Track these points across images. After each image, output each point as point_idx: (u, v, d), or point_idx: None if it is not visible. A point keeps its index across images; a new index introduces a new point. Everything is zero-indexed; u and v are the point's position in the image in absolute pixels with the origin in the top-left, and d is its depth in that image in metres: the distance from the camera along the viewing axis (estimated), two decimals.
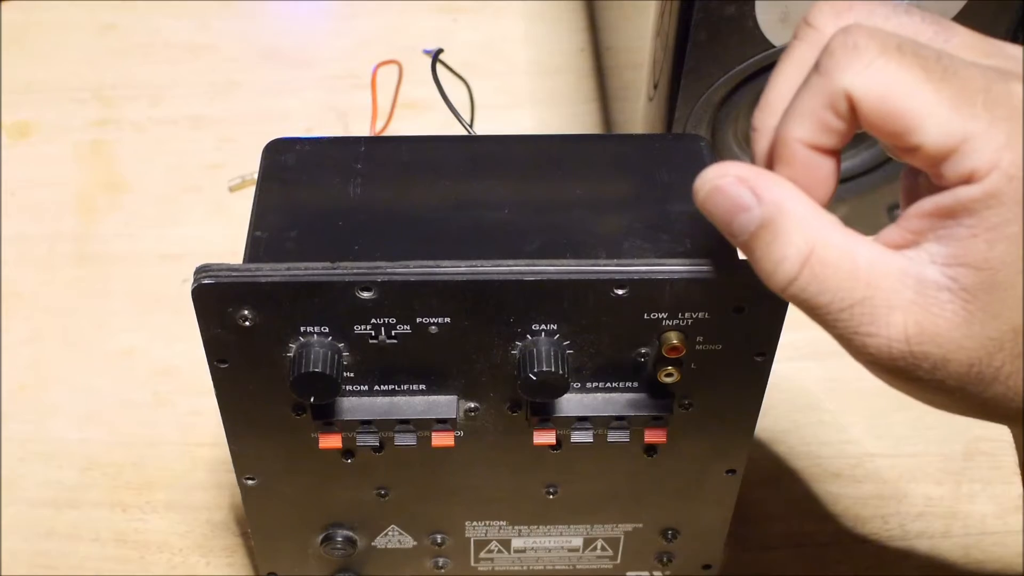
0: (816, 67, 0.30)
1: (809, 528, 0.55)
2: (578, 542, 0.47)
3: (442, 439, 0.40)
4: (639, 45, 0.58)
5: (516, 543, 0.47)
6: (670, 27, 0.52)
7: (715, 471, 0.43)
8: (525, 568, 0.48)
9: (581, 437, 0.40)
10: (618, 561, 0.48)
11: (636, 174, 0.41)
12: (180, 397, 0.59)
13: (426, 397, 0.40)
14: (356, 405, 0.39)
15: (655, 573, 0.49)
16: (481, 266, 0.36)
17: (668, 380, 0.39)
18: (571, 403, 0.40)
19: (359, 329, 0.37)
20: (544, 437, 0.40)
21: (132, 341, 0.61)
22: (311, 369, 0.37)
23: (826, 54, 0.29)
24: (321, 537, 0.45)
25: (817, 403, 0.59)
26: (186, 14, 0.77)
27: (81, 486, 0.56)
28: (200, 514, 0.55)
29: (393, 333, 0.37)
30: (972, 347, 0.29)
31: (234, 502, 0.55)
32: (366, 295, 0.36)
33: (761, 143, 0.33)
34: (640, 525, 0.46)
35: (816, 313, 0.30)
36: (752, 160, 0.33)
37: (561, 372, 0.37)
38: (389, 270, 0.36)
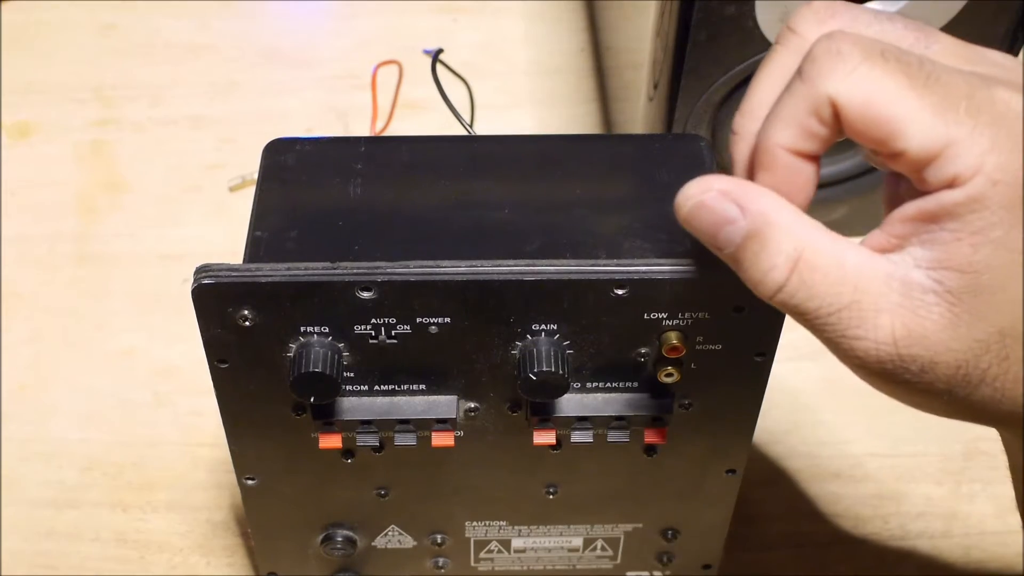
0: (799, 73, 0.30)
1: (809, 528, 0.55)
2: (578, 542, 0.47)
3: (442, 439, 0.40)
4: (639, 45, 0.58)
5: (516, 543, 0.47)
6: (670, 27, 0.52)
7: (715, 471, 0.43)
8: (525, 568, 0.48)
9: (581, 437, 0.40)
10: (618, 561, 0.48)
11: (636, 174, 0.41)
12: (180, 397, 0.59)
13: (426, 397, 0.40)
14: (356, 405, 0.39)
15: (655, 573, 0.49)
16: (481, 266, 0.36)
17: (668, 380, 0.39)
18: (571, 403, 0.40)
19: (359, 329, 0.37)
20: (544, 437, 0.40)
21: (132, 341, 0.61)
22: (311, 369, 0.37)
23: (809, 60, 0.29)
24: (321, 537, 0.45)
25: (817, 403, 0.59)
26: (186, 14, 0.77)
27: (81, 486, 0.56)
28: (200, 514, 0.55)
29: (393, 333, 0.37)
30: (959, 349, 0.29)
31: (234, 502, 0.55)
32: (366, 295, 0.36)
33: (741, 148, 0.33)
34: (640, 525, 0.46)
35: (805, 318, 0.30)
36: (731, 165, 0.34)
37: (561, 372, 0.37)
38: (389, 270, 0.36)
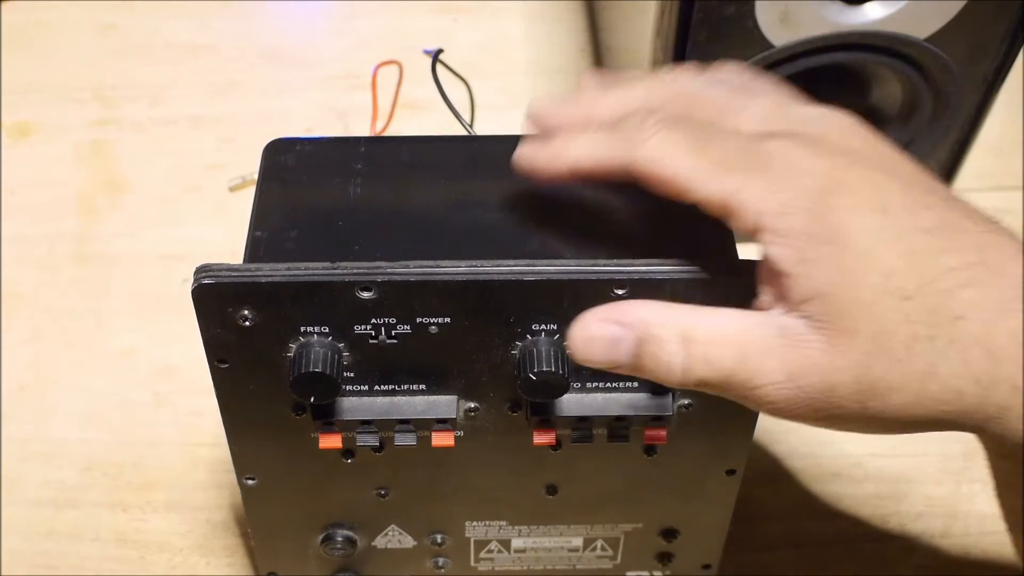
0: (618, 127, 0.35)
1: (809, 528, 0.55)
2: (578, 542, 0.47)
3: (442, 439, 0.40)
4: (639, 45, 0.58)
5: (516, 543, 0.47)
6: (670, 27, 0.52)
7: (715, 471, 0.43)
8: (525, 568, 0.48)
9: (581, 437, 0.40)
10: (618, 561, 0.48)
11: None
12: (180, 397, 0.59)
13: (426, 397, 0.40)
14: (356, 405, 0.39)
15: (655, 573, 0.49)
16: (481, 266, 0.36)
17: None
18: (571, 403, 0.40)
19: (359, 329, 0.37)
20: (544, 437, 0.40)
21: (132, 341, 0.61)
22: (311, 369, 0.37)
23: (622, 126, 0.35)
24: (321, 537, 0.45)
25: None
26: (186, 14, 0.77)
27: (81, 486, 0.56)
28: (200, 514, 0.55)
29: (393, 333, 0.37)
30: (847, 365, 0.32)
31: (234, 502, 0.55)
32: (366, 295, 0.36)
33: (543, 122, 0.39)
34: (640, 525, 0.46)
35: (716, 388, 0.34)
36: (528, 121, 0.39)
37: (561, 372, 0.37)
38: (389, 270, 0.36)
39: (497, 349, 0.38)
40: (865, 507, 0.55)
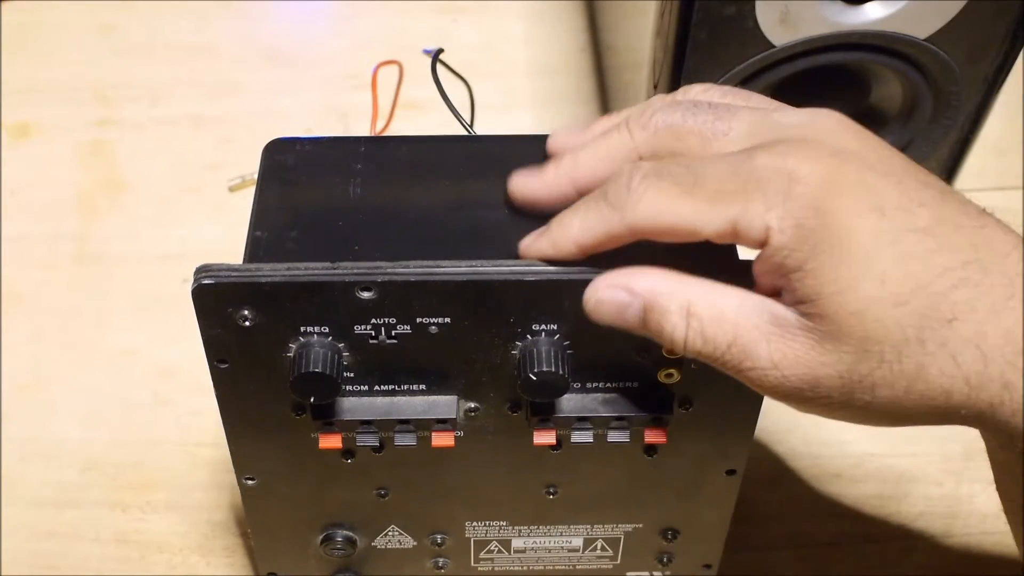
0: (604, 197, 0.35)
1: (809, 528, 0.55)
2: (578, 542, 0.47)
3: (442, 439, 0.40)
4: (639, 45, 0.58)
5: (516, 543, 0.47)
6: (670, 27, 0.52)
7: (715, 471, 0.43)
8: (525, 568, 0.48)
9: (581, 437, 0.40)
10: (618, 561, 0.48)
11: None
12: (180, 397, 0.59)
13: (426, 397, 0.40)
14: (356, 405, 0.39)
15: (655, 573, 0.49)
16: (481, 266, 0.36)
17: (668, 380, 0.39)
18: (571, 403, 0.40)
19: (359, 329, 0.37)
20: (544, 437, 0.40)
21: (132, 341, 0.61)
22: (311, 369, 0.37)
23: (611, 192, 0.35)
24: (321, 537, 0.45)
25: None
26: (186, 14, 0.77)
27: (81, 486, 0.56)
28: (200, 514, 0.55)
29: (393, 333, 0.37)
30: (831, 362, 0.33)
31: (234, 502, 0.55)
32: (366, 295, 0.36)
33: (530, 198, 0.39)
34: (640, 525, 0.46)
35: (711, 361, 0.35)
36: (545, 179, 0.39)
37: (561, 372, 0.37)
38: (389, 270, 0.36)
39: (497, 349, 0.38)
40: (865, 507, 0.55)
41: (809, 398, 0.34)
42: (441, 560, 0.47)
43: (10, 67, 0.74)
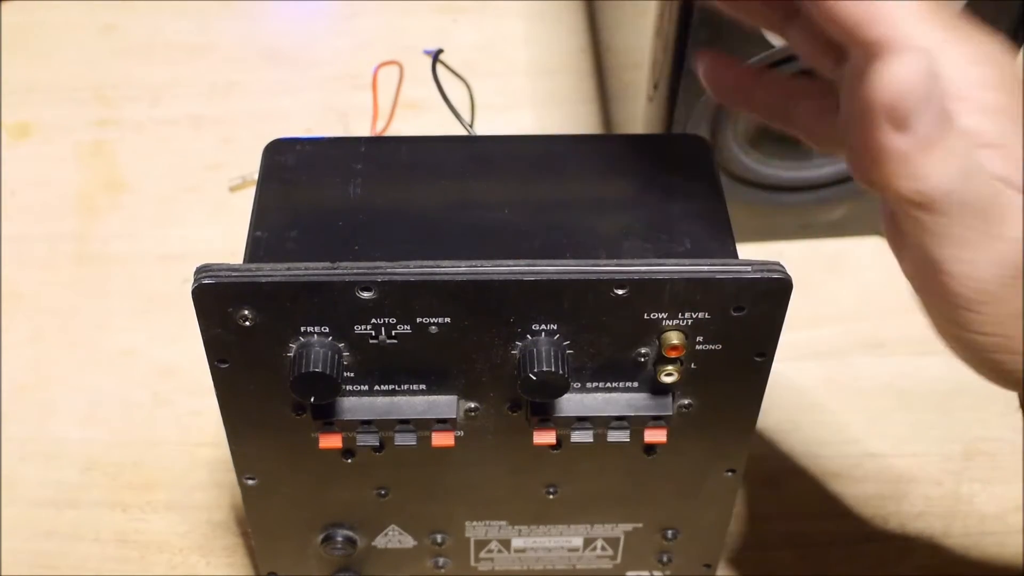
0: None
1: (809, 528, 0.55)
2: (578, 542, 0.47)
3: (442, 439, 0.40)
4: (639, 45, 0.58)
5: (516, 543, 0.47)
6: (670, 27, 0.52)
7: (715, 471, 0.43)
8: (525, 568, 0.48)
9: (581, 437, 0.40)
10: (618, 561, 0.48)
11: (636, 174, 0.41)
12: (180, 397, 0.59)
13: (426, 397, 0.40)
14: (356, 405, 0.39)
15: (655, 573, 0.49)
16: (481, 266, 0.36)
17: (668, 380, 0.39)
18: (571, 403, 0.40)
19: (359, 329, 0.37)
20: (544, 437, 0.40)
21: (132, 341, 0.61)
22: (311, 369, 0.37)
23: None
24: (321, 537, 0.45)
25: (817, 403, 0.59)
26: (186, 14, 0.77)
27: (81, 486, 0.56)
28: (200, 514, 0.55)
29: (393, 333, 0.37)
30: None
31: (234, 502, 0.55)
32: (366, 295, 0.36)
33: None
34: (640, 525, 0.46)
35: (958, 217, 0.30)
36: None
37: (561, 372, 0.37)
38: (389, 270, 0.36)
39: (497, 349, 0.38)
40: (865, 507, 0.55)
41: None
42: (441, 560, 0.47)
43: (10, 67, 0.74)
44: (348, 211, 0.39)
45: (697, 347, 0.38)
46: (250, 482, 0.43)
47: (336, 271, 0.36)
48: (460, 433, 0.41)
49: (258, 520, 0.45)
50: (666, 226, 0.39)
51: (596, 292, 0.36)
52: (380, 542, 0.46)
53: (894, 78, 0.28)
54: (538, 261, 0.36)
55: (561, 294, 0.36)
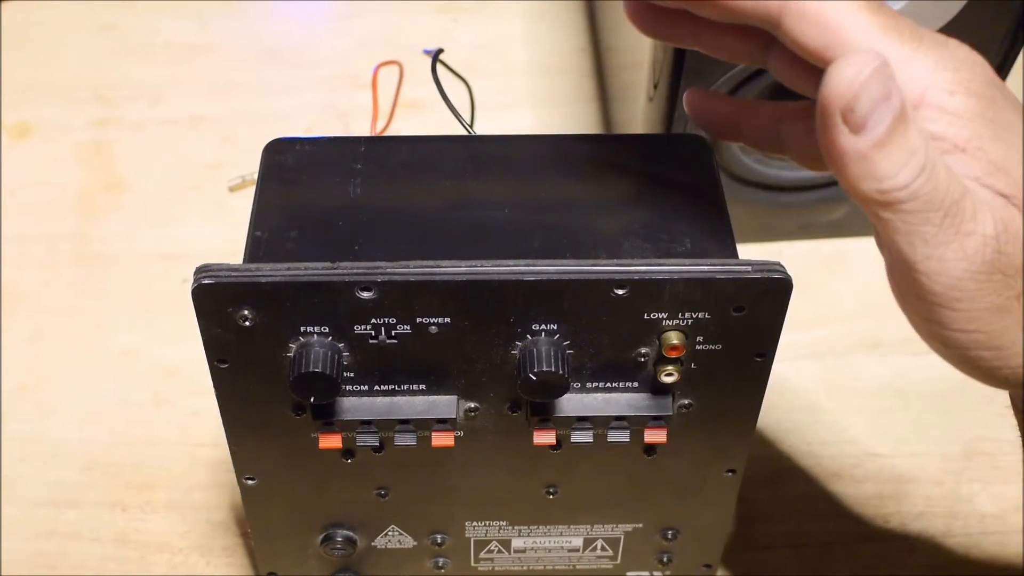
0: None
1: (809, 528, 0.55)
2: (578, 542, 0.47)
3: (442, 439, 0.40)
4: (639, 45, 0.58)
5: (516, 543, 0.47)
6: None
7: (715, 471, 0.43)
8: (525, 568, 0.48)
9: (581, 437, 0.40)
10: (618, 561, 0.48)
11: (636, 174, 0.41)
12: (180, 397, 0.59)
13: (426, 397, 0.40)
14: (356, 405, 0.39)
15: (655, 573, 0.49)
16: (481, 266, 0.36)
17: (668, 380, 0.39)
18: (571, 403, 0.40)
19: (359, 329, 0.37)
20: (544, 437, 0.40)
21: (132, 341, 0.61)
22: (311, 369, 0.37)
23: None
24: (321, 537, 0.45)
25: (817, 403, 0.59)
26: (186, 14, 0.77)
27: (81, 486, 0.56)
28: (200, 514, 0.55)
29: (393, 333, 0.37)
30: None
31: (234, 502, 0.55)
32: (366, 295, 0.36)
33: None
34: (640, 525, 0.46)
35: (923, 215, 0.30)
36: None
37: (561, 372, 0.37)
38: (389, 270, 0.36)
39: (497, 349, 0.38)
40: (865, 507, 0.55)
41: (1006, 284, 0.31)
42: (441, 560, 0.47)
43: (10, 67, 0.74)
44: (348, 211, 0.39)
45: (697, 347, 0.38)
46: (250, 482, 0.43)
47: (336, 271, 0.36)
48: (460, 433, 0.41)
49: (258, 520, 0.45)
50: (666, 226, 0.39)
51: (596, 292, 0.36)
52: (380, 542, 0.46)
53: (843, 77, 0.29)
54: (538, 261, 0.36)
55: (561, 294, 0.36)
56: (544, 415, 0.40)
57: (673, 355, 0.38)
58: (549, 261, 0.36)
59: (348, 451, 0.41)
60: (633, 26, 0.37)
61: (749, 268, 0.36)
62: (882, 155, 0.30)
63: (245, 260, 0.38)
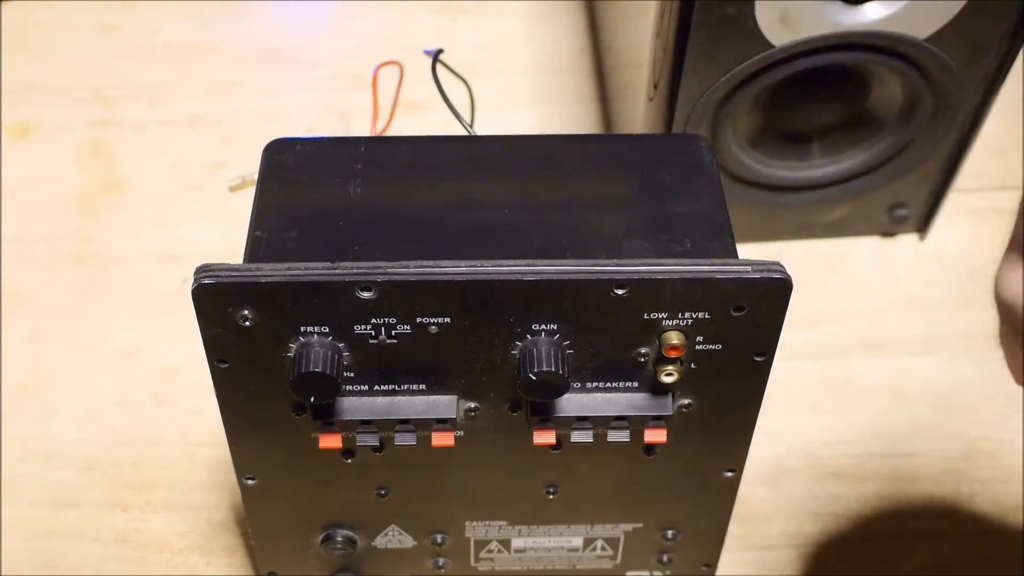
0: None
1: (809, 528, 0.55)
2: (578, 542, 0.47)
3: (442, 439, 0.40)
4: (639, 45, 0.58)
5: (516, 543, 0.47)
6: (670, 27, 0.52)
7: (715, 471, 0.43)
8: (525, 568, 0.48)
9: (581, 437, 0.40)
10: (618, 561, 0.48)
11: (636, 174, 0.41)
12: (180, 397, 0.59)
13: (426, 397, 0.40)
14: (356, 405, 0.39)
15: (655, 573, 0.49)
16: (481, 266, 0.36)
17: (668, 380, 0.39)
18: (571, 403, 0.40)
19: (359, 329, 0.37)
20: (544, 437, 0.40)
21: (132, 341, 0.61)
22: (311, 369, 0.37)
23: None
24: (321, 537, 0.45)
25: (817, 403, 0.59)
26: (186, 14, 0.77)
27: (81, 486, 0.56)
28: (200, 514, 0.55)
29: (393, 333, 0.37)
30: None
31: (234, 502, 0.55)
32: (366, 295, 0.36)
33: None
34: (640, 525, 0.46)
35: None
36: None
37: (561, 372, 0.37)
38: (389, 270, 0.36)
39: (497, 349, 0.38)
40: (865, 507, 0.55)
41: None
42: (441, 560, 0.47)
43: (10, 67, 0.74)
44: (348, 211, 0.39)
45: (697, 347, 0.38)
46: (250, 482, 0.43)
47: (336, 271, 0.36)
48: (460, 433, 0.41)
49: (258, 520, 0.45)
50: (666, 226, 0.39)
51: (596, 292, 0.36)
52: (380, 542, 0.46)
53: None
54: (538, 261, 0.36)
55: (561, 294, 0.36)
56: (544, 415, 0.40)
57: (673, 355, 0.38)
58: (549, 261, 0.36)
59: (348, 451, 0.41)
60: None
61: (749, 268, 0.36)
62: None
63: (245, 260, 0.38)
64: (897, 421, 0.58)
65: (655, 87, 0.56)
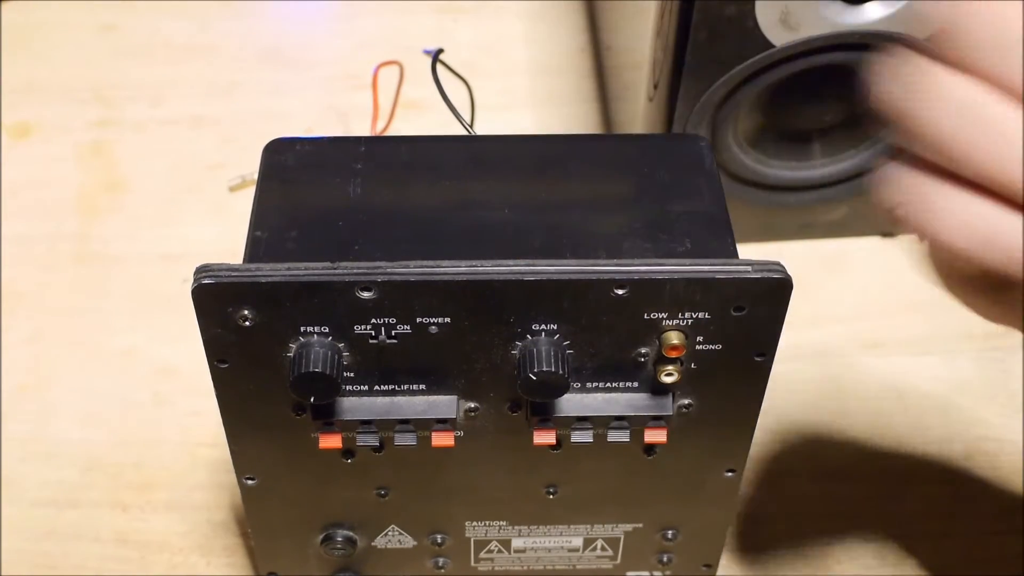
0: None
1: (809, 528, 0.55)
2: (578, 542, 0.47)
3: (442, 439, 0.40)
4: (639, 45, 0.58)
5: (516, 543, 0.47)
6: (670, 27, 0.52)
7: (715, 471, 0.43)
8: (525, 568, 0.48)
9: (581, 437, 0.40)
10: (618, 561, 0.48)
11: (636, 174, 0.41)
12: (180, 397, 0.59)
13: (426, 397, 0.40)
14: (356, 405, 0.39)
15: (655, 573, 0.49)
16: (481, 266, 0.36)
17: (668, 380, 0.39)
18: (571, 403, 0.40)
19: (359, 329, 0.37)
20: (544, 437, 0.40)
21: (132, 341, 0.61)
22: (311, 369, 0.37)
23: None
24: (321, 537, 0.45)
25: (817, 403, 0.59)
26: (186, 14, 0.77)
27: (81, 486, 0.56)
28: (200, 514, 0.55)
29: (393, 333, 0.37)
30: None
31: (234, 502, 0.55)
32: (366, 295, 0.36)
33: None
34: (640, 525, 0.46)
35: None
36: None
37: (561, 372, 0.37)
38: (389, 270, 0.36)
39: (497, 349, 0.38)
40: (866, 506, 0.55)
41: None
42: (441, 560, 0.47)
43: (10, 67, 0.74)
44: (348, 211, 0.39)
45: (697, 347, 0.38)
46: (250, 482, 0.43)
47: (336, 271, 0.36)
48: (460, 433, 0.41)
49: (258, 520, 0.45)
50: (666, 226, 0.39)
51: (596, 292, 0.36)
52: (380, 542, 0.46)
53: None
54: (538, 261, 0.36)
55: (561, 294, 0.36)
56: (544, 415, 0.40)
57: (673, 355, 0.38)
58: (549, 261, 0.36)
59: (348, 451, 0.41)
60: None
61: (749, 268, 0.36)
62: None
63: (245, 260, 0.38)
64: (897, 421, 0.58)
65: (655, 87, 0.56)
